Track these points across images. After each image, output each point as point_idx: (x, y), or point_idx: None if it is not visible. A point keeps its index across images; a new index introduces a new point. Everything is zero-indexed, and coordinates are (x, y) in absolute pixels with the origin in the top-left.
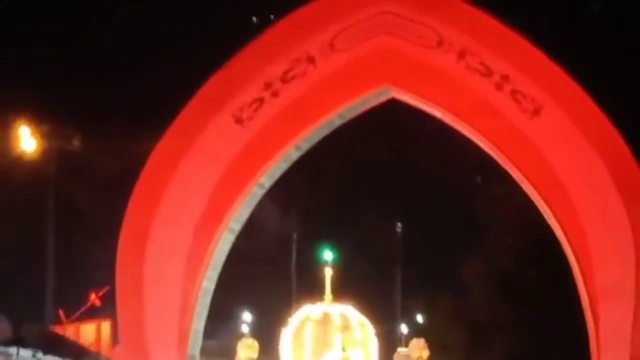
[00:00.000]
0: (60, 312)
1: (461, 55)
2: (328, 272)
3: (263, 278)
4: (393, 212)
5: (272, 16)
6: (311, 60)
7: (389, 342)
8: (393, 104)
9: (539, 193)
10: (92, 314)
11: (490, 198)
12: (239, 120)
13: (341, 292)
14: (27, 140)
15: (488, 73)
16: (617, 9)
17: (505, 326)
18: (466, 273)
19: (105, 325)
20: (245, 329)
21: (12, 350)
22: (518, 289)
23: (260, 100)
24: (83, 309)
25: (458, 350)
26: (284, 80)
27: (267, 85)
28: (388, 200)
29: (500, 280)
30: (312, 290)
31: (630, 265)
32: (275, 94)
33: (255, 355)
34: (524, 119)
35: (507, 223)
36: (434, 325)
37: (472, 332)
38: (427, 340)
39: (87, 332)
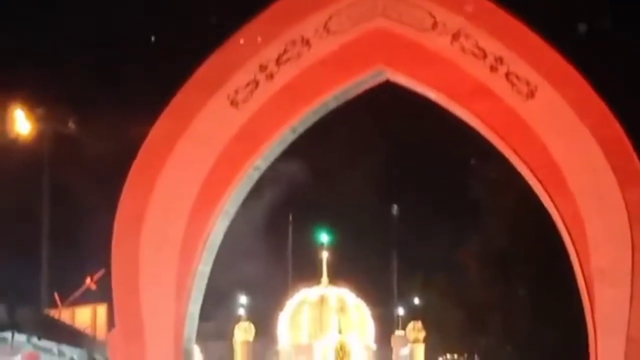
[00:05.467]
0: (56, 296)
1: (456, 37)
2: (324, 255)
3: (259, 261)
4: (390, 194)
5: None
6: (306, 42)
7: (385, 324)
8: (388, 86)
9: (534, 174)
10: (87, 298)
11: (487, 180)
12: (234, 103)
13: (337, 275)
14: (22, 123)
15: (483, 55)
16: None
17: (501, 306)
18: (462, 254)
19: (101, 309)
20: (241, 311)
21: (7, 335)
22: (514, 270)
23: (255, 83)
24: (78, 293)
25: (454, 331)
26: (279, 62)
27: (262, 68)
28: (385, 182)
29: (496, 261)
30: (308, 273)
31: (626, 246)
32: (270, 77)
33: (251, 337)
34: (519, 101)
35: (503, 204)
36: (431, 306)
37: (468, 312)
38: (424, 322)
39: (83, 316)
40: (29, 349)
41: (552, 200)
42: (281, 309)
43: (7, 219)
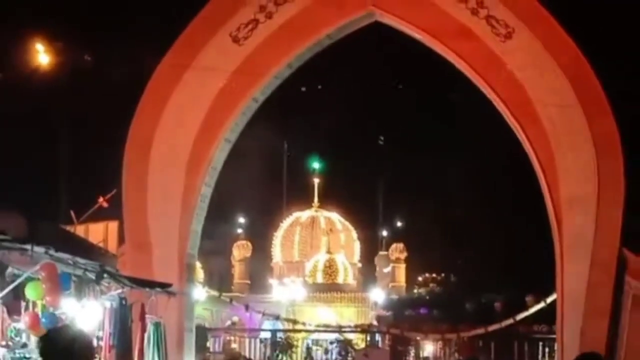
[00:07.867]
0: (72, 214)
1: None
2: (316, 181)
3: (257, 185)
4: (377, 126)
5: None
6: None
7: (371, 245)
8: (377, 26)
9: (510, 110)
10: (100, 215)
11: (467, 114)
12: (236, 40)
13: (328, 199)
14: (42, 55)
15: None
16: None
17: (478, 231)
18: (444, 183)
19: (113, 226)
20: (240, 231)
21: (27, 246)
22: (490, 198)
23: (256, 22)
24: (92, 210)
25: (434, 252)
26: (277, 2)
27: (262, 8)
28: (373, 115)
29: (475, 190)
30: (301, 197)
31: (593, 177)
32: (269, 16)
33: (248, 254)
34: (498, 42)
35: (482, 138)
36: (413, 229)
37: (448, 235)
38: (406, 243)
39: (96, 232)
40: (46, 259)
41: (525, 134)
42: (275, 229)
43: (30, 144)
